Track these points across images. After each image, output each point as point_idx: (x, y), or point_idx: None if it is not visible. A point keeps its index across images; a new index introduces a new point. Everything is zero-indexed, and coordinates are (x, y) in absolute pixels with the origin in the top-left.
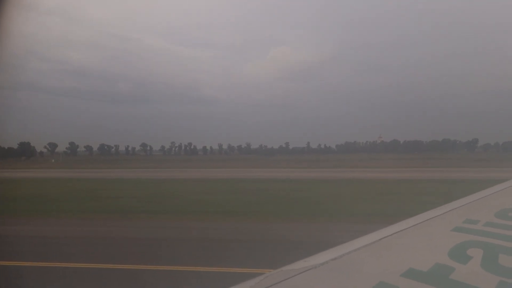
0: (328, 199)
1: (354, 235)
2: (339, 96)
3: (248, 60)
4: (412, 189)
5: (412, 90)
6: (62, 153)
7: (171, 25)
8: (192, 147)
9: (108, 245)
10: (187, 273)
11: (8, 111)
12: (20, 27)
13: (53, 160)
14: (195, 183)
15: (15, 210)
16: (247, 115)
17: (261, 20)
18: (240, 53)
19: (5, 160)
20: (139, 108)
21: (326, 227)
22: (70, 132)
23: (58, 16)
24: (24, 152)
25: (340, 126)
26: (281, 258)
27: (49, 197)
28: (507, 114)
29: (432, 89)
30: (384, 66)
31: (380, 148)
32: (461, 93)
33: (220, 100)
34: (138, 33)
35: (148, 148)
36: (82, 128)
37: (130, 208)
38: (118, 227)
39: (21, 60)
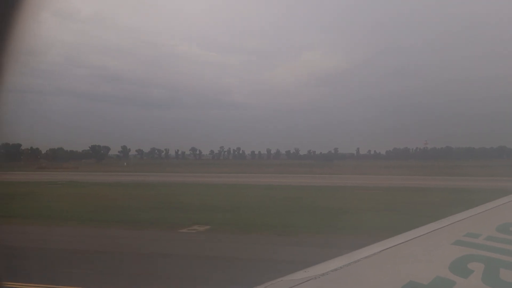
0: None
1: None
2: (375, 101)
3: (277, 65)
4: None
5: (460, 94)
6: (133, 157)
7: (202, 31)
8: (240, 151)
9: None
10: None
11: (48, 114)
12: (60, 36)
13: (125, 164)
14: (377, 192)
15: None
16: (280, 121)
17: (290, 25)
18: (270, 58)
19: (69, 162)
20: (171, 112)
21: None
22: (108, 136)
23: (94, 24)
24: (94, 155)
25: (385, 131)
26: None
27: (267, 208)
28: None
29: (477, 93)
30: (421, 69)
31: (430, 155)
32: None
33: (251, 105)
34: (172, 40)
35: (198, 152)
36: (119, 132)
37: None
38: None
39: (61, 67)
